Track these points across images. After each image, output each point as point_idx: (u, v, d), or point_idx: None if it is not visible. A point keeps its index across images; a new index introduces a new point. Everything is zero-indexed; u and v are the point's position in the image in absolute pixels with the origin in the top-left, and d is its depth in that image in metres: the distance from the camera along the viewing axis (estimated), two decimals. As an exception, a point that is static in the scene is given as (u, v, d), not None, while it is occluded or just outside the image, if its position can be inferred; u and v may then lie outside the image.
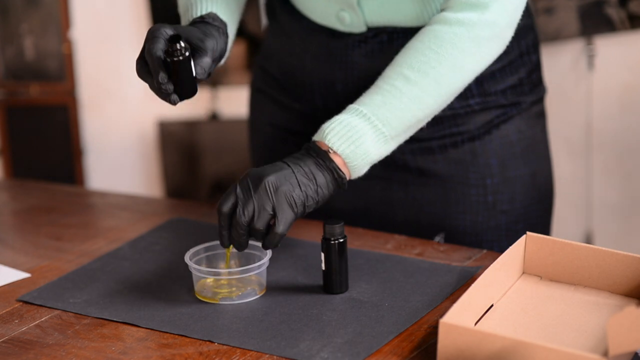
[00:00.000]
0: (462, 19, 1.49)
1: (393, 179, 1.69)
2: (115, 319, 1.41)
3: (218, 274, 1.46)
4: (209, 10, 1.54)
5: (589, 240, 2.53)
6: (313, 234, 1.63)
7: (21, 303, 1.47)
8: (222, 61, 1.55)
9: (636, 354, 1.26)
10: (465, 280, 1.48)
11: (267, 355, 1.30)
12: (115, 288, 1.49)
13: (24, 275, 1.56)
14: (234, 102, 2.68)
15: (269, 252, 1.46)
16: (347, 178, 1.47)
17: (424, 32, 1.51)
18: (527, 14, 1.70)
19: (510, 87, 1.67)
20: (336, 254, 1.44)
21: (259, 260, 1.46)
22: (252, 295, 1.45)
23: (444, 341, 1.23)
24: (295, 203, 1.42)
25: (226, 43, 1.52)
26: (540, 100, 1.73)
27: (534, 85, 1.71)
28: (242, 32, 2.61)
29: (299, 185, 1.42)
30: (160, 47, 1.41)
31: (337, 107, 1.59)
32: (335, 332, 1.35)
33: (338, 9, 1.60)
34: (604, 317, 1.35)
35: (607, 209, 2.52)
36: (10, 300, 1.48)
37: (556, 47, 2.44)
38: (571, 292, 1.42)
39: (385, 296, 1.44)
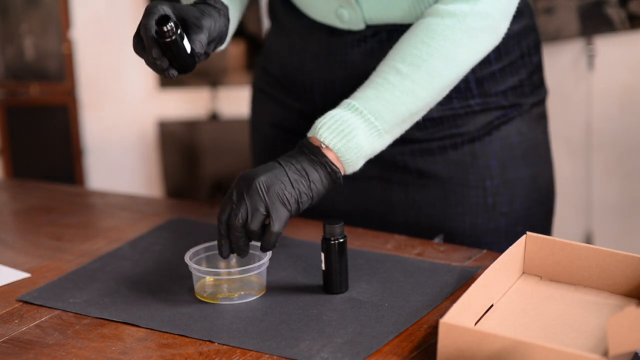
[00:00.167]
0: (454, 11, 1.49)
1: (393, 180, 1.69)
2: (115, 319, 1.41)
3: (218, 274, 1.46)
4: None
5: (589, 240, 2.53)
6: (313, 234, 1.63)
7: (21, 303, 1.47)
8: (224, 45, 1.54)
9: (636, 354, 1.26)
10: (465, 280, 1.48)
11: (267, 355, 1.30)
12: (115, 288, 1.49)
13: (24, 275, 1.56)
14: (234, 102, 2.68)
15: (269, 252, 1.46)
16: (342, 173, 1.47)
17: (417, 25, 1.51)
18: (529, 14, 1.70)
19: (511, 88, 1.67)
20: (336, 254, 1.44)
21: (259, 260, 1.46)
22: (252, 295, 1.45)
23: (444, 341, 1.23)
24: (288, 201, 1.42)
25: (227, 26, 1.51)
26: (541, 102, 1.73)
27: (535, 86, 1.71)
28: (242, 32, 2.61)
29: (291, 182, 1.43)
30: (154, 23, 1.41)
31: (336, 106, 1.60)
32: (335, 332, 1.35)
33: (337, 6, 1.61)
34: (604, 317, 1.35)
35: (607, 209, 2.52)
36: (10, 300, 1.48)
37: (556, 47, 2.44)
38: (571, 292, 1.42)
39: (385, 296, 1.44)
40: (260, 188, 1.41)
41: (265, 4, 2.49)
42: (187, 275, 1.49)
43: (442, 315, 1.33)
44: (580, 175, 2.51)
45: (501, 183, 1.68)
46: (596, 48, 2.43)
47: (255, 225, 1.41)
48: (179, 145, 2.72)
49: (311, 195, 1.44)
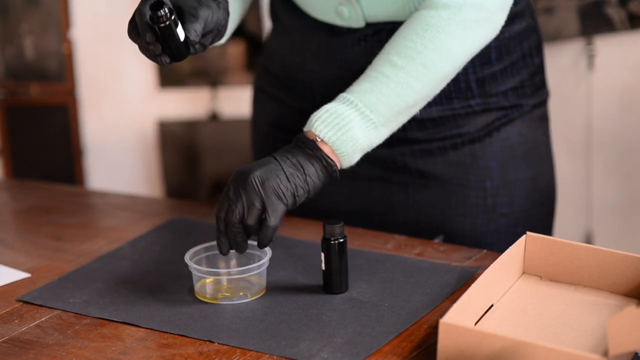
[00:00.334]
0: (448, 3, 1.49)
1: (393, 181, 1.69)
2: (115, 319, 1.41)
3: (218, 274, 1.46)
4: None
5: (589, 240, 2.53)
6: (313, 234, 1.63)
7: (21, 303, 1.47)
8: (223, 40, 1.54)
9: (636, 354, 1.26)
10: (465, 280, 1.48)
11: (267, 355, 1.30)
12: (115, 288, 1.49)
13: (24, 275, 1.56)
14: (234, 102, 2.68)
15: (269, 252, 1.46)
16: (339, 167, 1.47)
17: (411, 18, 1.51)
18: (531, 15, 1.70)
19: (512, 89, 1.67)
20: (336, 254, 1.44)
21: (259, 260, 1.46)
22: (252, 296, 1.45)
23: (444, 341, 1.23)
24: (284, 194, 1.42)
25: (225, 20, 1.50)
26: (542, 103, 1.73)
27: (537, 88, 1.71)
28: (242, 32, 2.62)
29: (287, 176, 1.43)
30: (148, 8, 1.40)
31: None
32: (335, 332, 1.35)
33: (337, 3, 1.61)
34: (604, 317, 1.35)
35: (607, 209, 2.52)
36: (10, 300, 1.48)
37: (556, 47, 2.44)
38: (571, 292, 1.42)
39: (385, 296, 1.44)
40: (256, 183, 1.42)
41: (266, 4, 2.49)
42: (187, 275, 1.49)
43: (442, 315, 1.33)
44: (580, 175, 2.51)
45: (501, 184, 1.68)
46: (596, 48, 2.43)
47: (251, 221, 1.42)
48: (179, 145, 2.72)
49: (307, 188, 1.44)
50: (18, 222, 1.82)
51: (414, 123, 1.65)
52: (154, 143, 2.74)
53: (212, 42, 1.50)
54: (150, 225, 1.72)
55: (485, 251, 1.58)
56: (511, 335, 1.20)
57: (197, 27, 1.43)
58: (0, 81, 2.72)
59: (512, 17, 1.65)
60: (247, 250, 1.49)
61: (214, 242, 1.49)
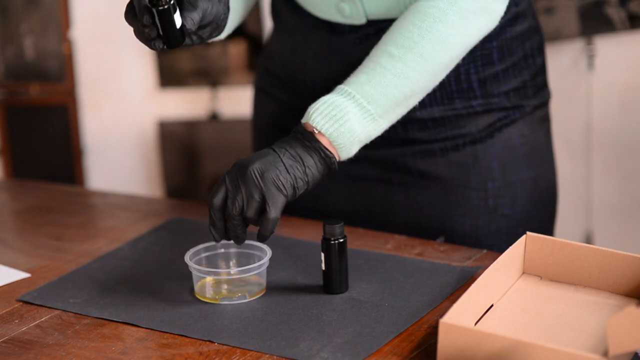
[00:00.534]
0: None
1: (394, 181, 1.69)
2: (115, 319, 1.41)
3: (218, 274, 1.46)
4: None
5: (589, 240, 2.53)
6: (313, 234, 1.63)
7: (21, 303, 1.47)
8: (222, 35, 1.54)
9: (636, 354, 1.26)
10: (465, 280, 1.48)
11: (267, 355, 1.30)
12: (115, 288, 1.49)
13: (24, 275, 1.56)
14: (234, 102, 2.68)
15: (269, 252, 1.46)
16: (337, 158, 1.47)
17: (409, 9, 1.51)
18: (532, 16, 1.69)
19: (514, 90, 1.67)
20: (336, 254, 1.44)
21: (259, 260, 1.46)
22: (252, 296, 1.45)
23: (444, 341, 1.23)
24: (284, 186, 1.42)
25: (225, 14, 1.50)
26: (544, 104, 1.73)
27: (539, 88, 1.71)
28: (242, 31, 2.61)
29: (286, 168, 1.43)
30: None
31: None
32: (335, 332, 1.35)
33: (338, 0, 1.60)
34: (604, 317, 1.35)
35: (607, 209, 2.52)
36: (10, 300, 1.48)
37: (556, 47, 2.44)
38: (571, 292, 1.42)
39: (385, 296, 1.44)
40: (255, 175, 1.42)
41: (267, 3, 2.49)
42: (187, 275, 1.49)
43: (442, 315, 1.33)
44: (580, 175, 2.51)
45: (503, 185, 1.67)
46: (596, 48, 2.43)
47: (251, 213, 1.42)
48: (179, 145, 2.72)
49: (307, 180, 1.44)
50: (18, 222, 1.82)
51: (416, 123, 1.65)
52: (154, 143, 2.74)
53: (211, 36, 1.50)
54: (150, 225, 1.72)
55: (485, 251, 1.58)
56: (511, 335, 1.20)
57: (195, 17, 1.43)
58: (0, 81, 2.72)
59: (515, 17, 1.65)
60: (247, 250, 1.49)
61: (214, 242, 1.49)
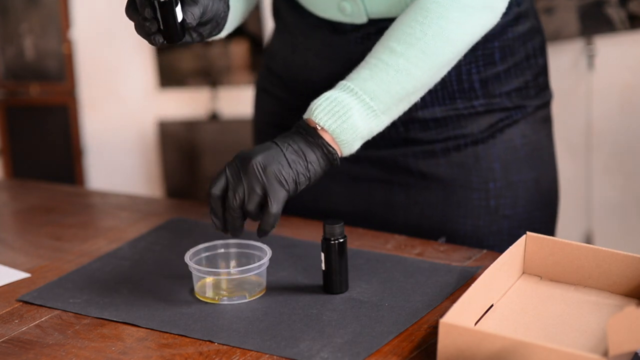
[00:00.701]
0: None
1: (394, 182, 1.69)
2: (115, 319, 1.41)
3: (218, 274, 1.46)
4: None
5: (589, 240, 2.53)
6: (313, 234, 1.63)
7: (21, 303, 1.47)
8: (222, 34, 1.54)
9: (636, 354, 1.26)
10: (465, 280, 1.48)
11: (267, 355, 1.30)
12: (115, 288, 1.49)
13: (24, 275, 1.56)
14: (234, 102, 2.68)
15: (269, 252, 1.46)
16: (339, 155, 1.47)
17: (412, 6, 1.51)
18: (534, 16, 1.69)
19: (515, 90, 1.67)
20: (336, 254, 1.44)
21: (259, 260, 1.46)
22: (252, 296, 1.45)
23: (444, 341, 1.23)
24: (286, 180, 1.42)
25: (225, 13, 1.50)
26: (546, 105, 1.72)
27: (540, 89, 1.70)
28: (242, 31, 2.61)
29: (288, 163, 1.43)
30: None
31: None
32: (335, 332, 1.35)
33: (339, -1, 1.61)
34: (604, 317, 1.35)
35: (607, 209, 2.52)
36: (10, 300, 1.48)
37: (556, 47, 2.44)
38: (571, 292, 1.42)
39: (385, 296, 1.44)
40: (257, 168, 1.41)
41: (268, 3, 2.49)
42: (187, 275, 1.49)
43: (442, 315, 1.33)
44: (580, 175, 2.51)
45: (504, 186, 1.67)
46: (596, 48, 2.43)
47: (252, 207, 1.42)
48: (179, 145, 2.72)
49: (309, 175, 1.44)
50: (18, 222, 1.82)
51: (417, 123, 1.65)
52: (154, 143, 2.74)
53: (210, 34, 1.50)
54: (150, 225, 1.72)
55: (485, 251, 1.58)
56: (511, 335, 1.20)
57: (196, 11, 1.42)
58: (0, 81, 2.72)
59: (516, 18, 1.65)
60: (247, 251, 1.49)
61: (214, 242, 1.49)
